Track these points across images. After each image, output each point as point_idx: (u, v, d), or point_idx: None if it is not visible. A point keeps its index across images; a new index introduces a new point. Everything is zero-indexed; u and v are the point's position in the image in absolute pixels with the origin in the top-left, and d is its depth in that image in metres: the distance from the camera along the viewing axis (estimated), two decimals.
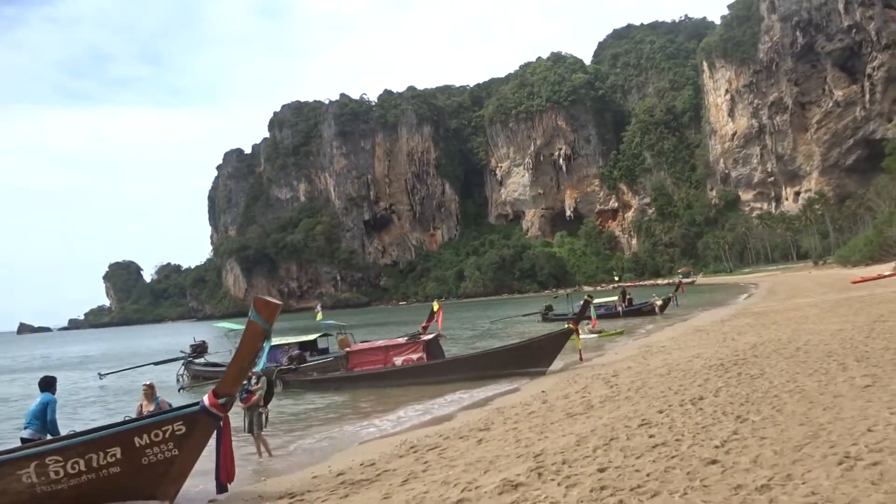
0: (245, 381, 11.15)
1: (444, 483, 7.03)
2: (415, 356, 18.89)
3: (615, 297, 45.82)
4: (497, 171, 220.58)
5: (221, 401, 7.24)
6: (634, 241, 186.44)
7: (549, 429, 9.42)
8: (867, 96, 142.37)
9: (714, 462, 6.04)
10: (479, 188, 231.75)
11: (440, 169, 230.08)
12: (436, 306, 20.05)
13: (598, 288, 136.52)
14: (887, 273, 45.52)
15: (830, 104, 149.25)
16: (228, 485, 7.51)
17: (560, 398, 12.56)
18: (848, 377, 9.55)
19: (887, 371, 9.61)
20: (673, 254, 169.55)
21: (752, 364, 12.85)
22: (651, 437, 7.65)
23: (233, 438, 7.47)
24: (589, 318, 28.56)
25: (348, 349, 20.27)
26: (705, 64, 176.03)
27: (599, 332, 29.92)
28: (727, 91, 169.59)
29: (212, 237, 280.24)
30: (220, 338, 27.10)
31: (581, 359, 18.90)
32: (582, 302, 18.91)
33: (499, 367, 18.06)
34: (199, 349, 27.64)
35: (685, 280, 77.00)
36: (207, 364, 26.53)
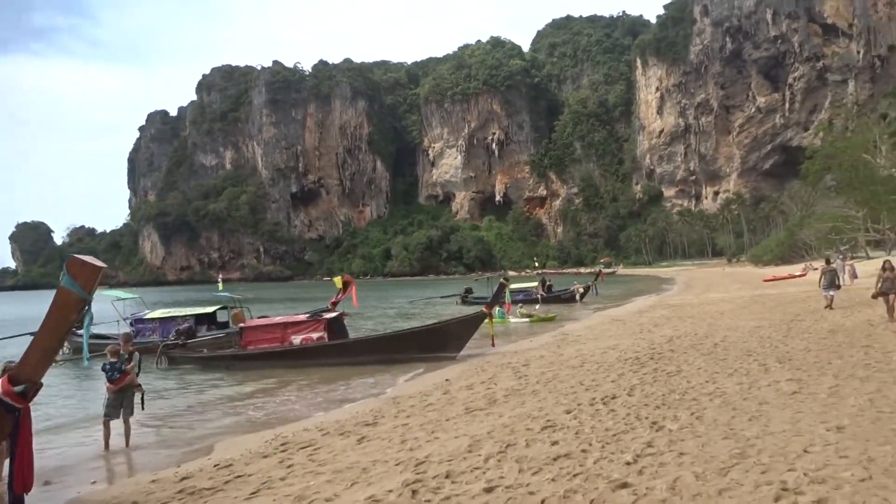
0: (115, 359, 9.45)
1: (298, 499, 5.68)
2: (315, 335, 17.31)
3: (535, 283, 45.36)
4: (430, 152, 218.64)
5: (19, 388, 5.56)
6: (560, 230, 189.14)
7: (442, 427, 8.18)
8: (787, 105, 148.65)
9: (624, 486, 4.93)
10: (411, 167, 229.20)
11: (372, 145, 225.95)
12: (338, 281, 18.44)
13: (523, 273, 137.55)
14: (798, 273, 47.04)
15: (753, 109, 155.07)
16: (25, 495, 5.86)
17: (463, 388, 11.38)
18: (772, 381, 8.75)
19: (812, 375, 8.86)
20: (596, 244, 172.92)
21: (669, 359, 12.04)
22: (554, 444, 6.52)
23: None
24: (503, 302, 27.64)
25: (242, 324, 18.48)
26: (639, 61, 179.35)
27: (530, 316, 29.08)
28: (657, 89, 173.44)
29: (130, 201, 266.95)
30: (108, 306, 24.60)
31: (493, 345, 17.82)
32: (498, 286, 17.75)
33: (406, 350, 16.74)
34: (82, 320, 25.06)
35: (606, 270, 78.03)
36: (91, 336, 24.07)
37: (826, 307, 19.92)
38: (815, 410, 6.77)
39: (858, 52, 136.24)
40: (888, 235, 54.29)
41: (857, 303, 21.39)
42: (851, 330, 13.87)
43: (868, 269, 38.70)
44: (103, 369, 9.55)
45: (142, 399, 9.76)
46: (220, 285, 22.45)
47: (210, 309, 23.60)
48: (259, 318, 20.26)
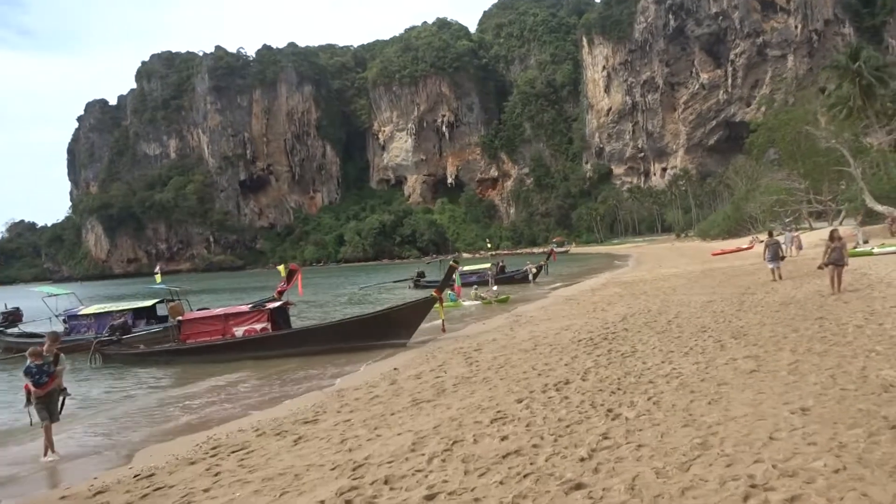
0: (39, 361, 8.55)
1: None
2: (258, 326, 16.50)
3: (487, 265, 45.09)
4: (380, 136, 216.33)
5: None
6: (513, 211, 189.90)
7: (386, 422, 7.60)
8: (729, 80, 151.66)
9: (579, 487, 4.44)
10: (361, 152, 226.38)
11: (321, 130, 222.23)
12: (282, 270, 17.60)
13: (477, 255, 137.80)
14: (745, 246, 47.92)
15: (697, 86, 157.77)
16: None
17: (411, 378, 10.82)
18: (729, 358, 8.42)
19: (769, 351, 8.58)
20: (549, 223, 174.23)
21: (623, 339, 11.71)
22: (503, 439, 6.01)
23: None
24: (453, 285, 27.11)
25: (180, 318, 17.50)
26: (584, 40, 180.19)
27: (483, 298, 28.59)
28: (604, 67, 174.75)
29: (72, 193, 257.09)
30: (38, 304, 23.10)
31: (444, 330, 17.29)
32: (447, 268, 17.17)
33: (354, 338, 16.09)
34: (12, 317, 23.59)
35: (558, 249, 78.44)
36: (22, 335, 22.65)
37: (772, 280, 19.98)
38: (777, 391, 6.43)
39: (796, 27, 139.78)
40: (830, 206, 55.79)
41: (805, 274, 21.64)
42: (803, 302, 13.80)
43: (812, 239, 39.69)
44: (27, 372, 8.66)
45: (62, 403, 8.92)
46: (158, 277, 21.16)
47: (149, 302, 22.39)
48: (199, 310, 19.26)
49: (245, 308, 17.25)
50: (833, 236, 15.27)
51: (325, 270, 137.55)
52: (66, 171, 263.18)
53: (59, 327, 20.94)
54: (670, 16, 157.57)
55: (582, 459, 5.02)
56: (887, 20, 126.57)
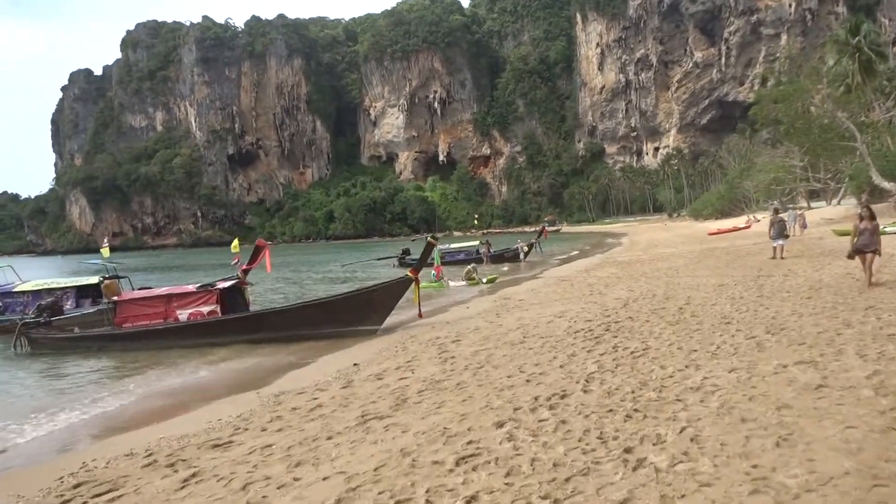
0: None
1: None
2: (206, 309, 14.37)
3: (475, 242, 43.11)
4: (371, 111, 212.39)
5: None
6: (504, 189, 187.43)
7: (315, 454, 5.56)
8: (723, 59, 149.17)
9: None
10: (352, 127, 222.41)
11: (311, 105, 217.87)
12: (235, 246, 15.42)
13: (468, 234, 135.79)
14: (742, 226, 46.15)
15: (690, 65, 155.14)
16: None
17: (371, 379, 8.76)
18: (776, 365, 6.41)
19: (827, 355, 6.59)
20: (541, 202, 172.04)
21: (630, 331, 9.70)
22: (469, 502, 3.96)
23: None
24: (432, 263, 24.94)
25: (116, 298, 15.33)
26: (578, 16, 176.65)
27: (472, 279, 26.33)
28: (598, 45, 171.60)
29: (56, 165, 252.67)
30: None
31: (420, 315, 15.21)
32: (424, 245, 15.02)
33: (318, 324, 14.01)
34: None
35: (550, 228, 76.48)
36: None
37: (772, 257, 19.53)
38: (874, 423, 4.42)
39: (790, 6, 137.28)
40: (828, 184, 54.03)
41: (818, 254, 19.72)
42: (836, 287, 11.82)
43: (814, 218, 37.86)
44: None
45: None
46: (106, 251, 18.99)
47: (93, 279, 19.99)
48: (141, 289, 17.04)
49: (191, 288, 15.07)
50: (863, 214, 12.19)
51: (314, 247, 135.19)
52: (49, 142, 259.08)
53: None
54: None
55: None
56: None
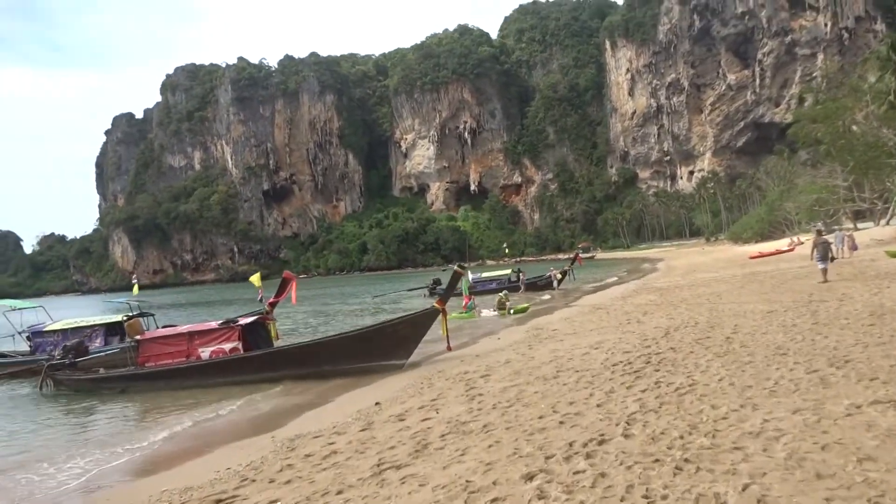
0: None
1: None
2: (228, 346, 13.94)
3: (507, 271, 42.39)
4: (402, 143, 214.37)
5: None
6: (537, 216, 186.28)
7: None
8: (757, 81, 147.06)
9: None
10: (384, 160, 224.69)
11: (343, 139, 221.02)
12: (256, 280, 15.00)
13: (501, 262, 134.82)
14: (785, 249, 44.53)
15: (724, 87, 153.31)
16: None
17: (392, 420, 8.12)
18: (849, 405, 5.61)
19: None
20: (574, 229, 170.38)
21: (673, 364, 8.91)
22: None
23: None
24: (460, 293, 24.25)
25: (139, 336, 15.01)
26: (608, 43, 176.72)
27: (501, 308, 25.51)
28: (628, 70, 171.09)
29: (100, 206, 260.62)
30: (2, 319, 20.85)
31: (449, 348, 14.55)
32: (451, 275, 14.38)
33: (342, 359, 13.46)
34: None
35: (584, 255, 75.23)
36: None
37: (821, 282, 18.76)
38: None
39: (826, 25, 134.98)
40: (875, 204, 52.05)
41: (873, 276, 18.55)
42: None
43: (864, 239, 36.23)
44: None
45: None
46: (136, 289, 18.83)
47: (118, 317, 19.80)
48: (164, 327, 16.73)
49: (213, 325, 14.66)
50: None
51: (348, 279, 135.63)
52: (94, 184, 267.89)
53: (24, 346, 18.69)
54: (695, 16, 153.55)
55: None
56: None
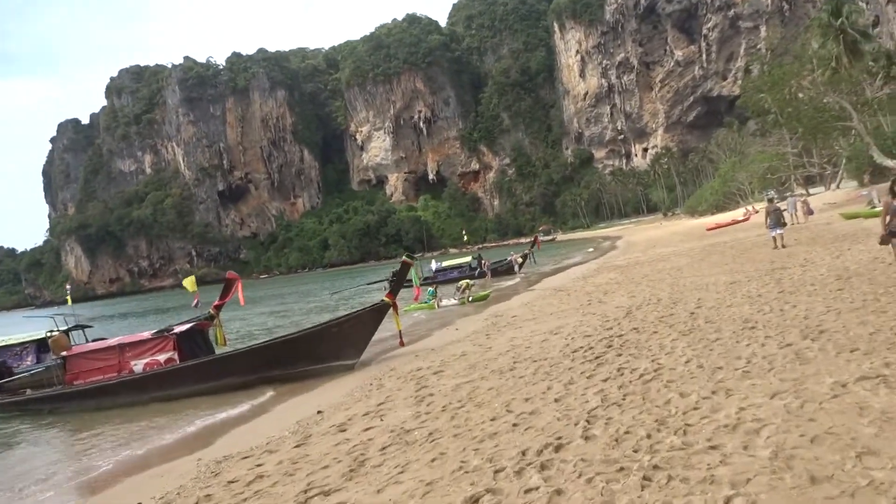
0: None
1: None
2: (162, 357, 12.89)
3: (468, 259, 41.77)
4: (357, 136, 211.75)
5: None
6: (496, 202, 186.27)
7: None
8: (704, 56, 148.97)
9: None
10: (340, 154, 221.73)
11: (297, 135, 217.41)
12: (190, 284, 13.92)
13: (464, 250, 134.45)
14: (740, 218, 44.79)
15: (672, 64, 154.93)
16: None
17: (331, 432, 7.26)
18: (833, 384, 4.95)
19: (892, 366, 5.10)
20: (533, 212, 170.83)
21: (636, 346, 8.24)
22: None
23: None
24: (410, 284, 23.44)
25: (65, 353, 13.79)
26: (556, 25, 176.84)
27: (462, 299, 24.68)
28: (577, 52, 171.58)
29: (50, 216, 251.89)
30: None
31: (402, 343, 13.72)
32: (400, 266, 13.50)
33: (288, 363, 12.52)
34: None
35: (545, 238, 75.15)
36: None
37: (774, 248, 18.93)
38: None
39: None
40: (825, 169, 52.81)
41: (831, 239, 18.30)
42: (869, 275, 10.33)
43: (816, 203, 36.48)
44: None
45: None
46: (69, 300, 17.50)
47: (42, 333, 18.22)
48: (94, 341, 15.46)
49: (146, 335, 13.55)
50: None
51: (310, 277, 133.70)
52: (42, 194, 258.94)
53: None
54: None
55: None
56: None
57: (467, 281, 26.76)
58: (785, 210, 28.71)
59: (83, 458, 9.06)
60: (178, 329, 13.40)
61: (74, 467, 8.66)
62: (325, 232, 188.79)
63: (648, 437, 4.61)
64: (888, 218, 10.10)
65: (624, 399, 5.79)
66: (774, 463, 3.65)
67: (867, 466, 3.38)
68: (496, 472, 4.58)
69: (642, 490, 3.69)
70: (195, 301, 14.20)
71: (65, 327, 17.40)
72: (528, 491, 4.08)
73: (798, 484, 3.34)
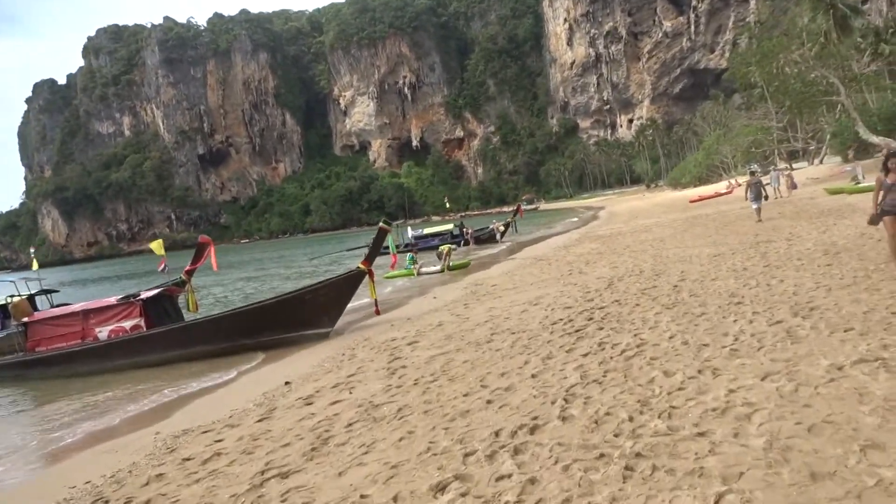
0: None
1: None
2: (128, 324, 12.42)
3: (450, 226, 41.39)
4: (341, 101, 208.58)
5: None
6: (480, 170, 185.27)
7: None
8: (692, 27, 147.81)
9: None
10: (323, 118, 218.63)
11: (279, 98, 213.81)
12: (157, 247, 13.38)
13: (446, 218, 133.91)
14: (724, 191, 44.73)
15: (660, 35, 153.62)
16: None
17: (297, 405, 6.90)
18: (829, 366, 4.64)
19: (890, 348, 4.80)
20: (517, 181, 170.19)
21: (618, 319, 7.93)
22: None
23: None
24: (387, 251, 23.02)
25: (27, 319, 13.26)
26: None
27: (444, 266, 24.19)
28: (566, 20, 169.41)
29: (26, 178, 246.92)
30: None
31: (377, 312, 13.37)
32: (377, 233, 13.05)
33: (259, 331, 12.13)
34: None
35: (528, 207, 74.85)
36: None
37: (757, 220, 18.87)
38: None
39: None
40: (809, 143, 52.77)
41: (816, 214, 18.10)
42: (857, 250, 10.06)
43: (799, 178, 36.42)
44: None
45: None
46: (35, 264, 16.90)
47: (13, 298, 17.63)
48: (57, 306, 14.90)
49: (111, 301, 13.04)
50: (891, 165, 8.93)
51: (291, 242, 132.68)
52: (18, 155, 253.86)
53: None
54: None
55: None
56: None
57: (449, 246, 26.31)
58: (768, 184, 28.62)
59: (36, 432, 8.63)
60: (144, 295, 12.91)
61: (24, 441, 8.24)
62: (307, 197, 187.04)
63: (630, 419, 4.28)
64: (880, 195, 9.60)
65: (604, 376, 5.47)
66: (769, 455, 3.33)
67: (873, 463, 3.06)
68: (466, 455, 4.23)
69: (624, 482, 3.36)
70: (161, 265, 13.69)
71: (28, 292, 16.77)
72: (499, 479, 3.74)
73: (797, 481, 3.02)
